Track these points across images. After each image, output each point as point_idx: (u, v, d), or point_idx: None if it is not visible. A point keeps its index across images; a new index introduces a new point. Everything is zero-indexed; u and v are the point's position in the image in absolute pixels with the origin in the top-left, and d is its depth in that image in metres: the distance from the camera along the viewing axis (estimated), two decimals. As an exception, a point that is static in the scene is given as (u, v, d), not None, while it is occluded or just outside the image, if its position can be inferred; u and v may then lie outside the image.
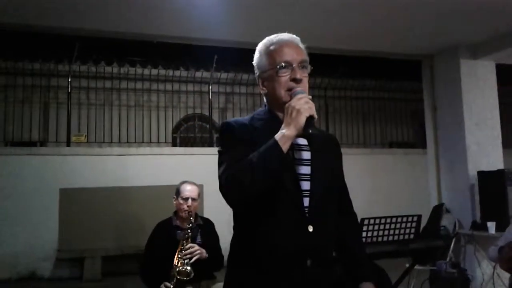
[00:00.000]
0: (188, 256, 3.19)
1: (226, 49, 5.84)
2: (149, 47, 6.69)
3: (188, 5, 4.20)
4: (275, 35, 1.73)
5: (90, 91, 8.09)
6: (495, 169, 5.01)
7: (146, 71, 8.33)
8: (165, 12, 4.39)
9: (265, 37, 1.74)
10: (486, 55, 5.35)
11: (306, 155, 1.66)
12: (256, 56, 1.75)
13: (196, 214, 3.49)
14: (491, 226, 4.61)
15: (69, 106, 7.69)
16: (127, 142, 7.80)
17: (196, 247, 3.22)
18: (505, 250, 3.72)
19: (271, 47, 1.69)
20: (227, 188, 1.53)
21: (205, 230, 3.49)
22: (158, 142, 8.10)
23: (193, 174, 6.35)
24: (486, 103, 5.43)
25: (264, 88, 1.72)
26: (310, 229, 1.58)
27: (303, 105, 1.51)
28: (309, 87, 6.30)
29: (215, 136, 9.02)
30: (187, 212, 3.40)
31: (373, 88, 9.60)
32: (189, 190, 3.50)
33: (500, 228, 4.47)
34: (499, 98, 5.57)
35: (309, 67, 1.69)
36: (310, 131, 1.52)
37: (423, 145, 6.33)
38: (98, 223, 6.75)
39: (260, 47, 1.74)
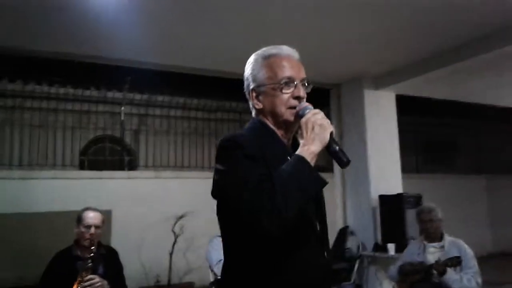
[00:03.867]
0: (88, 288, 3.01)
1: (142, 70, 5.73)
2: (57, 64, 6.38)
3: (99, 23, 4.09)
4: (273, 46, 1.59)
5: (-12, 109, 7.51)
6: (395, 193, 5.33)
7: (53, 90, 7.90)
8: (73, 29, 4.23)
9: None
10: (387, 86, 5.76)
11: None
12: (252, 67, 1.59)
13: (99, 243, 3.32)
14: (391, 247, 4.88)
15: (-36, 125, 7.07)
16: (29, 165, 7.30)
17: (97, 278, 3.05)
18: (403, 270, 3.95)
19: (270, 60, 1.55)
20: (258, 214, 1.28)
21: (108, 260, 3.32)
22: (63, 165, 7.66)
23: (102, 199, 6.10)
24: (387, 131, 5.82)
25: (259, 103, 1.56)
26: (325, 254, 1.51)
27: (324, 120, 1.41)
28: (225, 111, 6.39)
29: (127, 159, 8.74)
30: (89, 241, 3.22)
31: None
32: (91, 217, 3.33)
33: (399, 249, 4.74)
34: (399, 126, 5.99)
35: (309, 86, 1.58)
36: (337, 147, 1.41)
37: (331, 169, 6.60)
38: (-5, 252, 6.20)
39: (256, 58, 1.60)
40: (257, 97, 1.57)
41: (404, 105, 6.43)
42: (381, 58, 5.23)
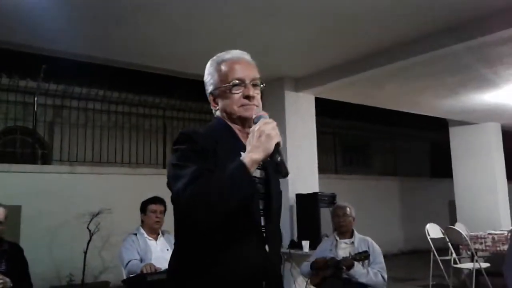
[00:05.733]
0: (-13, 286, 2.83)
1: (59, 59, 5.43)
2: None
3: (12, 6, 3.84)
4: (226, 52, 1.70)
5: None
6: (312, 192, 5.51)
7: (-43, 75, 7.32)
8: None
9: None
10: (307, 88, 5.94)
11: (260, 173, 1.62)
12: (208, 72, 1.70)
13: (1, 239, 3.14)
14: (305, 244, 5.03)
15: None
16: None
17: (-1, 276, 2.88)
18: (314, 266, 4.09)
19: (223, 64, 1.66)
20: (192, 205, 1.38)
21: (12, 257, 3.15)
22: (-32, 157, 7.12)
23: (11, 193, 5.74)
24: (306, 131, 6.00)
25: (216, 105, 1.68)
26: (267, 249, 1.55)
27: (272, 130, 1.45)
28: (148, 107, 6.23)
29: (40, 152, 8.28)
30: (-10, 236, 3.03)
31: (210, 111, 9.87)
32: (-1, 213, 3.14)
33: (313, 246, 4.90)
34: (319, 128, 6.20)
35: (261, 85, 1.68)
36: (279, 158, 1.45)
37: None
38: None
39: (211, 64, 1.70)
40: (214, 100, 1.69)
41: (324, 107, 6.67)
42: (302, 61, 5.39)
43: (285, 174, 1.47)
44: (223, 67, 1.66)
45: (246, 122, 1.63)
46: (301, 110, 6.01)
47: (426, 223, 6.62)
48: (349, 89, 6.03)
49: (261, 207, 1.59)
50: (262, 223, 1.57)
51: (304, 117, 6.03)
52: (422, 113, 7.89)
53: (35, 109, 7.70)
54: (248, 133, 1.60)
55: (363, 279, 3.87)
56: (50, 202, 6.55)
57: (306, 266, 4.23)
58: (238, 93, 1.62)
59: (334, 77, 5.55)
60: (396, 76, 5.60)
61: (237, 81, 1.62)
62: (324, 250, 4.27)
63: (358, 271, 3.83)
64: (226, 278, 1.48)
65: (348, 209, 4.23)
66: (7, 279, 2.93)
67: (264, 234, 1.57)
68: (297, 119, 5.92)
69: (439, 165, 12.21)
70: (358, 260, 3.83)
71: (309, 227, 5.25)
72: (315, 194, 5.37)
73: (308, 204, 5.34)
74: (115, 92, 8.40)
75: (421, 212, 10.95)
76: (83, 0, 3.84)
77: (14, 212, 3.48)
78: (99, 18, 4.19)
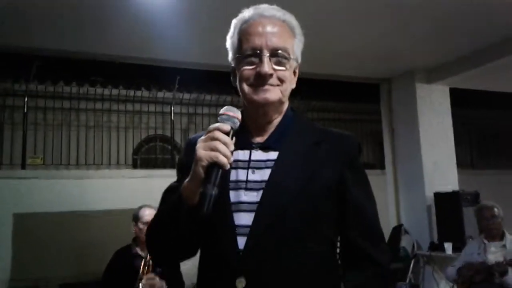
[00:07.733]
0: (147, 288, 3.08)
1: (189, 70, 5.84)
2: (110, 67, 6.60)
3: (149, 26, 4.20)
4: (255, 6, 1.24)
5: (47, 111, 7.85)
6: (450, 189, 5.16)
7: (106, 91, 8.16)
8: (125, 33, 4.36)
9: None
10: (440, 79, 5.57)
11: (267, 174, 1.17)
12: (229, 35, 1.26)
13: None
14: (448, 246, 4.73)
15: (25, 127, 7.42)
16: (86, 164, 7.58)
17: (157, 279, 3.11)
18: (464, 271, 3.83)
19: (244, 25, 1.21)
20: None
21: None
22: (118, 164, 7.92)
23: (154, 196, 6.15)
24: (441, 125, 5.63)
25: (234, 82, 1.24)
26: (241, 284, 1.09)
27: (206, 146, 1.05)
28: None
29: (177, 157, 8.92)
30: (147, 238, 3.30)
31: (334, 109, 9.76)
32: (149, 214, 3.40)
33: (457, 248, 4.59)
34: (453, 120, 5.78)
35: (293, 59, 1.21)
36: (208, 191, 1.02)
37: (382, 166, 6.44)
38: (54, 250, 6.46)
39: (233, 22, 1.26)
40: (233, 72, 1.25)
41: (455, 97, 6.20)
42: (434, 50, 5.06)
43: (203, 213, 1.02)
44: (242, 29, 1.21)
45: (259, 110, 1.18)
46: (435, 103, 5.65)
47: None
48: (490, 76, 5.52)
49: (241, 222, 1.14)
50: (241, 247, 1.12)
51: (439, 110, 5.66)
52: None
53: (172, 117, 8.30)
54: (260, 128, 1.22)
55: (519, 287, 3.54)
56: (189, 204, 6.99)
57: (451, 270, 3.98)
58: (249, 68, 1.16)
59: (472, 65, 5.13)
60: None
61: (249, 51, 1.16)
62: (470, 253, 3.98)
63: (514, 278, 3.50)
64: (208, 277, 1.23)
65: (495, 209, 3.91)
66: (163, 282, 3.14)
67: (240, 262, 1.11)
68: (431, 113, 5.59)
69: None
70: (513, 266, 3.51)
71: (451, 228, 4.92)
72: (456, 192, 5.01)
73: (448, 203, 5.00)
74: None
75: None
76: (208, 15, 4.02)
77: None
78: (224, 29, 4.37)
